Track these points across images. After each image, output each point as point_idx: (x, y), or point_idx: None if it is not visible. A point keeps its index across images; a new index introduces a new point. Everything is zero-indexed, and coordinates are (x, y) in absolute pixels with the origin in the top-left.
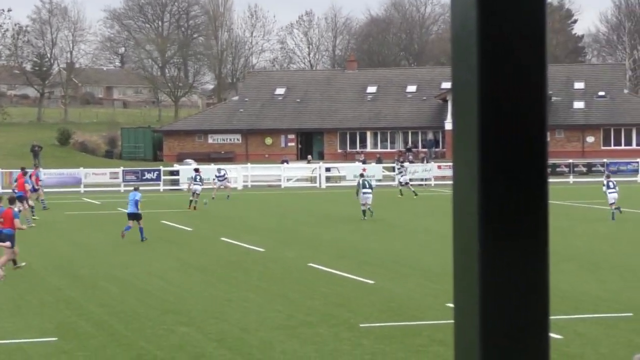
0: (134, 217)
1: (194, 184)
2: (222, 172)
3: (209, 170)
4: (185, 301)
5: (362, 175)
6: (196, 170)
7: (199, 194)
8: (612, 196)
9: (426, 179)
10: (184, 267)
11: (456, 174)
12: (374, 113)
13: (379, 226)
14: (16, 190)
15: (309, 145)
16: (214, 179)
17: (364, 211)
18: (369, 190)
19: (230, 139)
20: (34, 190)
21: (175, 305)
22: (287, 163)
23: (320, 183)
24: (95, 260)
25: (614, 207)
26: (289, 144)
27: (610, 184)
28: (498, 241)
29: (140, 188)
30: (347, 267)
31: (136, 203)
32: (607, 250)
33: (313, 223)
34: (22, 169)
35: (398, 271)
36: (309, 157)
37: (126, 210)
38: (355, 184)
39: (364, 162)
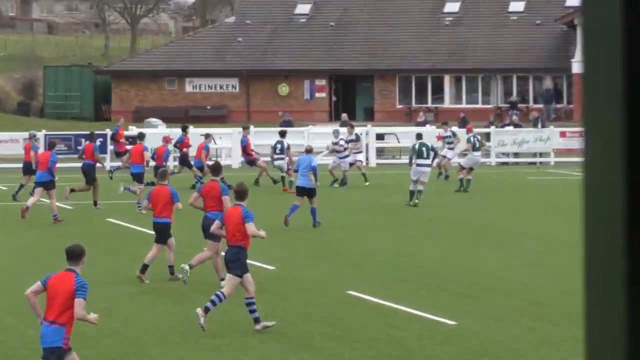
0: (307, 192)
1: (276, 157)
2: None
3: (192, 136)
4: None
5: (420, 137)
6: (281, 134)
7: (286, 171)
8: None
9: (541, 154)
10: (150, 296)
11: (589, 148)
12: (456, 46)
13: (459, 229)
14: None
15: (349, 97)
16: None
17: (412, 192)
18: (427, 162)
19: (221, 87)
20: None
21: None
22: (292, 126)
23: (367, 159)
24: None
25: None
26: (318, 95)
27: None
28: None
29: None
30: (410, 296)
31: (314, 170)
32: None
33: (354, 223)
34: (165, 140)
35: (489, 302)
36: (344, 115)
37: (296, 184)
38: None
39: (424, 123)
